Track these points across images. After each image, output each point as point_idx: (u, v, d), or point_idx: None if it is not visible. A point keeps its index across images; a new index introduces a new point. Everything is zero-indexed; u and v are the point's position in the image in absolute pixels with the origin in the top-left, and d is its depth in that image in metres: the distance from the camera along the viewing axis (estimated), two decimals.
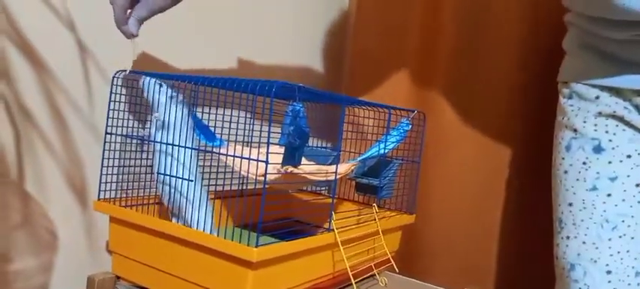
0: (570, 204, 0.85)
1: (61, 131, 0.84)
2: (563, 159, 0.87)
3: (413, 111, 0.95)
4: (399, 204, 1.00)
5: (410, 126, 0.93)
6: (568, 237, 0.85)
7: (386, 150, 0.90)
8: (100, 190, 0.81)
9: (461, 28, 1.20)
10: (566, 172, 0.86)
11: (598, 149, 0.83)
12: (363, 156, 0.90)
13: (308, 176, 0.79)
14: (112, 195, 0.82)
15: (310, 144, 1.01)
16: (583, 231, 0.84)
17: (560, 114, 0.90)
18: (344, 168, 0.86)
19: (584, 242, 0.83)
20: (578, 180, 0.85)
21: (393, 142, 0.91)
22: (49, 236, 0.85)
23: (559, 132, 0.89)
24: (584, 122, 0.85)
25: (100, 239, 0.90)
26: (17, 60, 0.78)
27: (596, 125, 0.84)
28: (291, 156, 0.72)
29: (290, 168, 0.73)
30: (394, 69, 1.30)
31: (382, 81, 1.30)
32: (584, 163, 0.84)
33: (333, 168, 0.82)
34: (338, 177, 0.83)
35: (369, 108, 1.05)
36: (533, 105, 1.18)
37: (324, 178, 0.83)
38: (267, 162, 0.69)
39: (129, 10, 0.75)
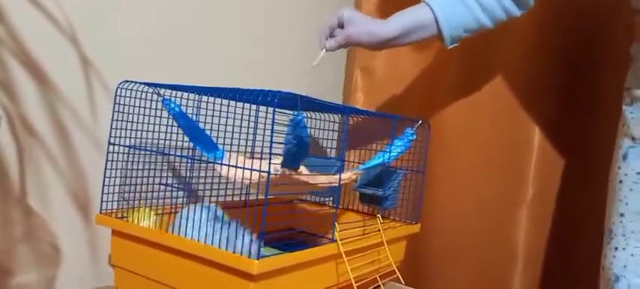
0: (622, 215, 0.82)
1: (64, 145, 0.84)
2: (619, 168, 0.84)
3: (418, 122, 0.94)
4: (403, 214, 0.98)
5: (415, 136, 0.92)
6: (616, 248, 0.82)
7: (390, 159, 0.89)
8: (102, 202, 0.80)
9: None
10: (621, 182, 0.83)
11: None
12: (367, 165, 0.89)
13: (309, 180, 0.78)
14: (115, 207, 0.82)
15: (318, 154, 1.00)
16: (632, 243, 0.80)
17: (621, 122, 0.86)
18: (347, 175, 0.86)
19: (632, 255, 0.80)
20: (632, 190, 0.81)
21: (397, 151, 0.90)
22: (51, 250, 0.85)
23: (619, 140, 0.85)
24: None
25: (102, 253, 0.90)
26: (20, 74, 0.78)
27: None
28: (290, 161, 0.75)
29: (288, 171, 0.74)
30: (400, 78, 1.29)
31: (388, 92, 1.30)
32: (639, 173, 0.81)
33: (335, 176, 0.81)
34: (341, 183, 0.82)
35: (374, 118, 1.04)
36: (547, 112, 1.16)
37: (327, 183, 0.82)
38: (269, 172, 0.69)
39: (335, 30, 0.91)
